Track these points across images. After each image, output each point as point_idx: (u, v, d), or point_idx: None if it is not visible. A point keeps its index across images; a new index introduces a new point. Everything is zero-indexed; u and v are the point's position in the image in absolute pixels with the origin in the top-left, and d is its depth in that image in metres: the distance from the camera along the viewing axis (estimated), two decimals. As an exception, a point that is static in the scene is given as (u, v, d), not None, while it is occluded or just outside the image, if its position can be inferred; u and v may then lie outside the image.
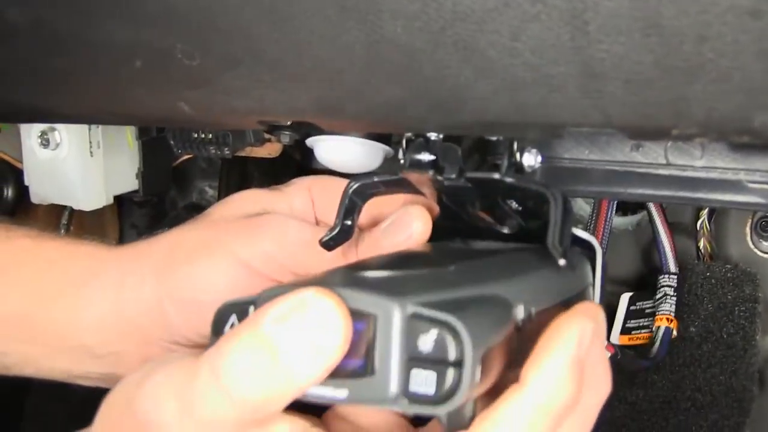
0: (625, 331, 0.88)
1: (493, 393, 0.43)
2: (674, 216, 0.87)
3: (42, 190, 0.89)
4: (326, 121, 0.54)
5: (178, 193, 1.08)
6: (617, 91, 0.41)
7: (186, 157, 0.99)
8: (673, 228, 0.86)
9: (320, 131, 0.56)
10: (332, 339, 0.39)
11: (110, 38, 0.53)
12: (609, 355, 0.80)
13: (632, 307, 0.89)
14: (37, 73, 0.61)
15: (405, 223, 0.58)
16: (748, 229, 0.81)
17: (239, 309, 0.45)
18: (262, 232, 0.60)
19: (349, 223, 0.55)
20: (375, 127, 0.60)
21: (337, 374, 0.40)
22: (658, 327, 0.82)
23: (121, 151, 0.91)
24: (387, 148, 0.71)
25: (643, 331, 0.86)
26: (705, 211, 0.82)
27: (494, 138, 0.56)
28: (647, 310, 0.87)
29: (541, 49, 0.41)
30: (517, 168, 0.56)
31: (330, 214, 0.62)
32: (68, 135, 0.86)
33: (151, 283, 0.60)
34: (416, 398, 0.39)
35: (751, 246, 0.81)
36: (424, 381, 0.39)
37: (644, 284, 0.92)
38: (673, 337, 0.82)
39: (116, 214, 1.07)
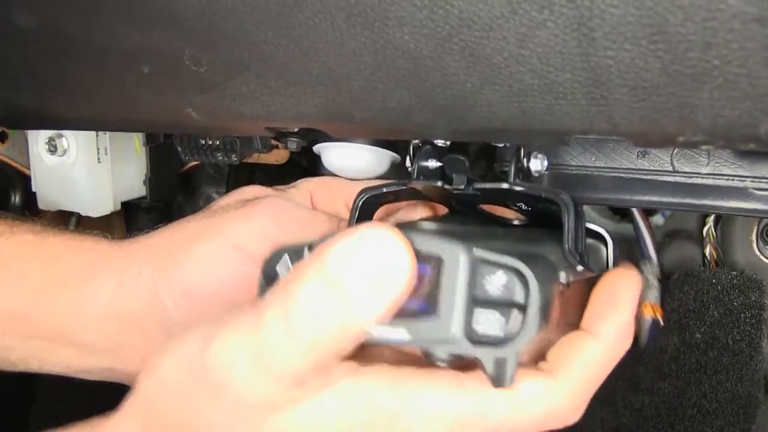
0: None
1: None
2: (680, 223, 0.87)
3: (49, 196, 0.89)
4: (333, 127, 0.54)
5: (186, 199, 1.08)
6: (623, 98, 0.41)
7: (193, 163, 0.99)
8: (678, 235, 0.86)
9: (327, 137, 0.56)
10: (399, 274, 0.39)
11: (118, 44, 0.53)
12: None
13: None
14: (45, 79, 0.61)
15: (409, 217, 0.59)
16: (753, 236, 0.81)
17: (293, 252, 0.46)
18: (256, 211, 0.60)
19: None
20: (382, 134, 0.60)
21: (398, 315, 0.41)
22: (643, 315, 0.82)
23: (129, 157, 0.91)
24: (394, 154, 0.72)
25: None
26: (711, 218, 0.82)
27: (501, 144, 0.57)
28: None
29: (547, 56, 0.41)
30: (524, 174, 0.56)
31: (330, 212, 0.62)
32: (75, 141, 0.86)
33: (147, 274, 0.61)
34: (479, 339, 0.40)
35: (757, 253, 0.81)
36: (488, 322, 0.40)
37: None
38: (660, 326, 0.82)
39: (123, 220, 1.07)
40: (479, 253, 0.41)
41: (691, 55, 0.38)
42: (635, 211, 0.79)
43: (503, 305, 0.40)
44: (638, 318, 0.83)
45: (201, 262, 0.59)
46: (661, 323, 0.82)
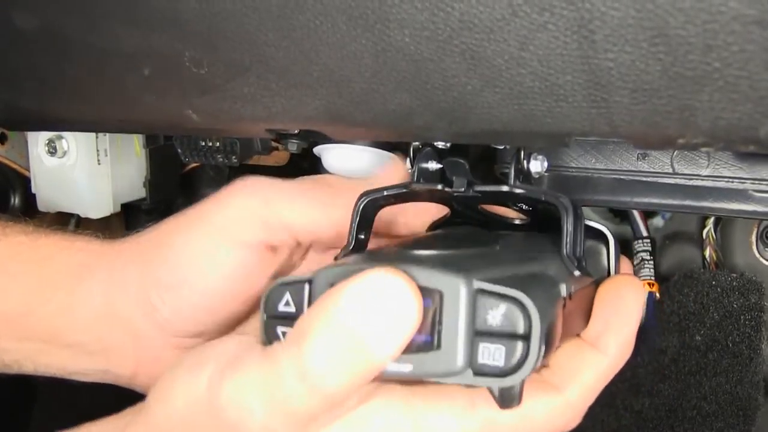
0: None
1: None
2: (680, 225, 0.87)
3: (49, 198, 0.89)
4: (334, 129, 0.54)
5: (186, 200, 1.08)
6: (624, 101, 0.41)
7: (193, 165, 0.99)
8: (678, 237, 0.86)
9: (328, 139, 0.56)
10: (407, 316, 0.40)
11: (118, 46, 0.53)
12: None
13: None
14: (45, 80, 0.61)
15: (408, 223, 0.59)
16: (753, 238, 0.81)
17: (293, 288, 0.46)
18: (234, 191, 0.58)
19: (362, 237, 0.55)
20: (382, 136, 0.60)
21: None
22: None
23: (129, 159, 0.91)
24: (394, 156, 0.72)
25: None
26: (711, 220, 0.82)
27: (501, 146, 0.56)
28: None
29: (548, 59, 0.41)
30: (524, 175, 0.56)
31: None
32: (75, 143, 0.86)
33: (136, 273, 0.60)
34: (483, 371, 0.41)
35: (757, 255, 0.81)
36: (491, 354, 0.40)
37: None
38: (656, 299, 0.82)
39: (123, 222, 1.07)
40: (479, 284, 0.41)
41: (691, 58, 0.38)
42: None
43: (506, 336, 0.40)
44: None
45: (185, 254, 0.58)
46: (658, 296, 0.82)
